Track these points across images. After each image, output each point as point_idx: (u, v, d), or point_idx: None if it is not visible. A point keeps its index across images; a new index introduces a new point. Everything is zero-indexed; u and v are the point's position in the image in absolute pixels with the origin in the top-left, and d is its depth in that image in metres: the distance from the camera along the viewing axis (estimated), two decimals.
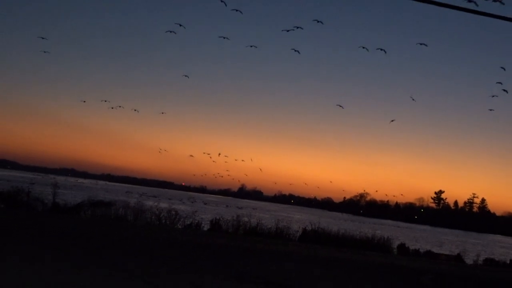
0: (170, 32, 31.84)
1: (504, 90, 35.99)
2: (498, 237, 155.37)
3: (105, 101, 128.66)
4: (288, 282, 15.04)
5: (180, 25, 31.56)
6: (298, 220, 75.38)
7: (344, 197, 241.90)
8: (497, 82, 38.29)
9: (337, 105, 46.92)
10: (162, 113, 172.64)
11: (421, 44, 30.25)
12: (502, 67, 43.38)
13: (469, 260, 40.84)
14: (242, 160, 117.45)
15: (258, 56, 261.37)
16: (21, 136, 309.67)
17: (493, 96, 40.83)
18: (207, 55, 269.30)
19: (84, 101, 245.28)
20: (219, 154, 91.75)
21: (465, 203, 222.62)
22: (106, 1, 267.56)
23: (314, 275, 18.46)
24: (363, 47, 30.03)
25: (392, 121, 60.11)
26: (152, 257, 17.16)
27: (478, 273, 29.79)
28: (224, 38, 37.08)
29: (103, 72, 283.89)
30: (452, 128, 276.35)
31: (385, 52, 30.07)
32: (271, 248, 26.65)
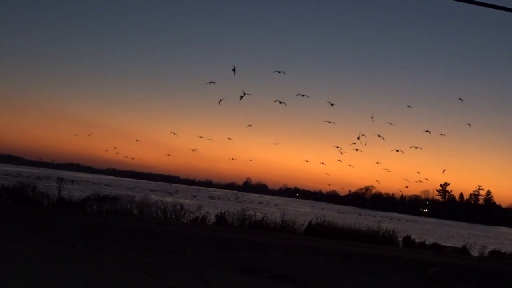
0: None
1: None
2: (504, 229, 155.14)
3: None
4: (294, 275, 15.04)
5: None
6: (304, 213, 75.43)
7: (350, 190, 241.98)
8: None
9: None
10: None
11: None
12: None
13: (475, 252, 40.83)
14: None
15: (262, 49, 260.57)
16: (26, 131, 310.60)
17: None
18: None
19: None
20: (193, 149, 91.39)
21: (470, 195, 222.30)
22: None
23: (320, 268, 18.48)
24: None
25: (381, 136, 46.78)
26: (158, 250, 17.20)
27: (484, 265, 29.77)
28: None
29: (106, 68, 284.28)
30: (458, 119, 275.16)
31: None
32: (277, 241, 26.69)
